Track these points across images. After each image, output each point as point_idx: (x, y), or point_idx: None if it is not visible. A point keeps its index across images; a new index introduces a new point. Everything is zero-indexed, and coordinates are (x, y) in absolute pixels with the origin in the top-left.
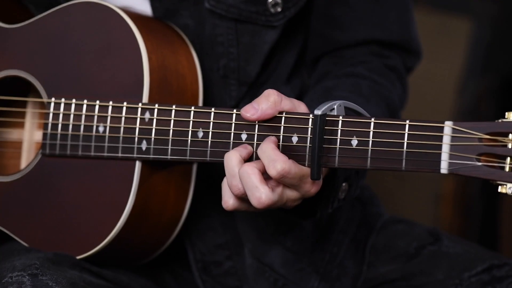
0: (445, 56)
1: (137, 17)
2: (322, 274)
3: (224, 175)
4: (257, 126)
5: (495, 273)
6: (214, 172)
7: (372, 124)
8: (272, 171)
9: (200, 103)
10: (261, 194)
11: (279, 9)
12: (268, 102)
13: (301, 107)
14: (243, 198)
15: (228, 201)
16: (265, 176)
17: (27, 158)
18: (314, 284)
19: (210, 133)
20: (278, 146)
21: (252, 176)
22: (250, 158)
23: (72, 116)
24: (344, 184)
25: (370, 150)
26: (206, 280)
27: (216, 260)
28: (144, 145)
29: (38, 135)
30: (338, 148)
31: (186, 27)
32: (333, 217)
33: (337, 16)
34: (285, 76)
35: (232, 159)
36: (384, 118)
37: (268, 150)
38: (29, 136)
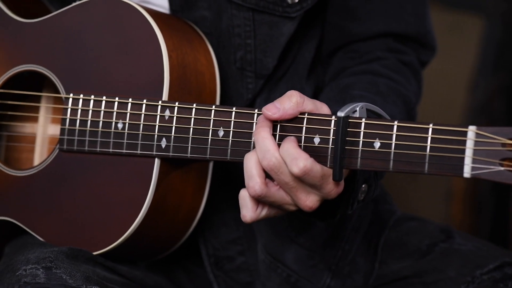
0: (457, 54)
1: (157, 15)
2: (334, 271)
3: (241, 170)
4: (279, 126)
5: (506, 270)
6: (229, 169)
7: (395, 127)
8: (295, 169)
9: (218, 101)
10: (271, 157)
11: (296, 0)
12: (290, 103)
13: (324, 109)
14: (260, 200)
15: (246, 215)
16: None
17: (40, 152)
18: (326, 280)
19: (231, 132)
20: (300, 147)
21: (266, 141)
22: None
23: (90, 112)
24: (363, 186)
25: (392, 152)
26: (218, 275)
27: (228, 255)
28: (163, 143)
29: (52, 130)
30: (360, 150)
31: (203, 19)
32: (346, 215)
33: (353, 8)
34: (302, 72)
35: (251, 160)
36: (408, 121)
37: (290, 148)
38: (43, 130)
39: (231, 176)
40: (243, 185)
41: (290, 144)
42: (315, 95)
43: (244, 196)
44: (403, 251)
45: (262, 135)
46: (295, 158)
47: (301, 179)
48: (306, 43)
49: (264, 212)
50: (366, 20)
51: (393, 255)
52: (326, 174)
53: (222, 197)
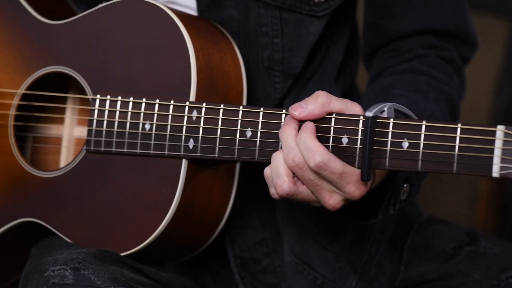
0: (482, 57)
1: (183, 16)
2: (360, 274)
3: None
4: None
5: None
6: (256, 170)
7: (423, 126)
8: (311, 163)
9: (244, 103)
10: (296, 153)
11: None
12: (316, 103)
13: (355, 108)
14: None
15: (274, 192)
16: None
17: (66, 154)
18: (352, 283)
19: (259, 133)
20: (328, 148)
21: (290, 138)
22: None
23: (117, 113)
24: (405, 185)
25: (421, 152)
26: (245, 276)
27: (254, 257)
28: (191, 144)
29: (77, 131)
30: (388, 150)
31: (231, 18)
32: (388, 215)
33: (391, 6)
34: (331, 73)
35: (279, 159)
36: (436, 121)
37: (308, 140)
38: (69, 132)
39: (257, 178)
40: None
41: (307, 135)
42: (345, 97)
43: (268, 175)
44: (428, 254)
45: (287, 132)
46: (312, 152)
47: (319, 174)
48: (335, 44)
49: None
50: (404, 17)
51: (419, 258)
52: (347, 172)
53: (248, 199)
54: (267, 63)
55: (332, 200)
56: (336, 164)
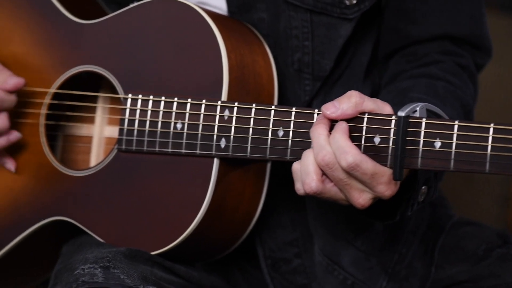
0: None
1: (215, 16)
2: (391, 274)
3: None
4: None
5: None
6: (287, 169)
7: (456, 126)
8: (343, 163)
9: (275, 103)
10: (326, 153)
11: (354, 1)
12: (349, 103)
13: (386, 108)
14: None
15: (300, 188)
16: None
17: (97, 153)
18: (382, 284)
19: (291, 132)
20: (360, 147)
21: (321, 137)
22: None
23: (149, 112)
24: (424, 187)
25: (453, 152)
26: (275, 277)
27: (285, 257)
28: (223, 143)
29: (108, 131)
30: (421, 150)
31: (261, 21)
32: (405, 216)
33: (410, 10)
34: (359, 75)
35: (309, 157)
36: (468, 121)
37: (341, 140)
38: (99, 131)
39: (288, 177)
40: None
41: (340, 135)
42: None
43: (296, 170)
44: (459, 255)
45: (318, 131)
46: (345, 152)
47: (350, 174)
48: (362, 45)
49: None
50: (423, 22)
51: (450, 260)
52: (378, 173)
53: (279, 199)
54: (297, 66)
55: (361, 199)
56: (368, 165)
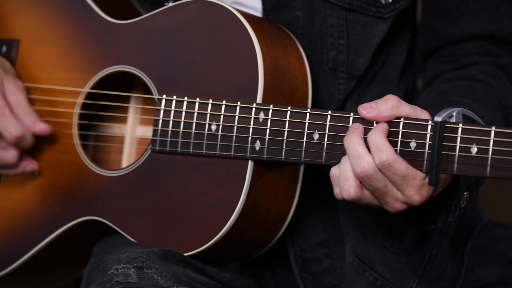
0: None
1: (251, 17)
2: (421, 276)
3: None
4: None
5: None
6: (319, 171)
7: (492, 132)
8: (376, 159)
9: (309, 105)
10: (365, 164)
11: (390, 0)
12: (386, 106)
13: (423, 115)
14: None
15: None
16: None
17: (128, 153)
18: (412, 285)
19: (326, 135)
20: (396, 151)
21: (358, 147)
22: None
23: (183, 113)
24: (466, 193)
25: (490, 158)
26: (305, 277)
27: (316, 257)
28: (257, 145)
29: (140, 131)
30: (457, 155)
31: (296, 19)
32: (447, 222)
33: (448, 10)
34: (393, 75)
35: (349, 163)
36: (505, 127)
37: (377, 138)
38: (132, 131)
39: (321, 179)
40: (332, 189)
41: (378, 133)
42: (406, 99)
43: (335, 174)
44: (489, 257)
45: (354, 141)
46: (379, 150)
47: (381, 170)
48: (397, 45)
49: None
50: (461, 21)
51: (480, 262)
52: (410, 175)
53: (311, 200)
54: (332, 64)
55: (395, 203)
56: (400, 166)
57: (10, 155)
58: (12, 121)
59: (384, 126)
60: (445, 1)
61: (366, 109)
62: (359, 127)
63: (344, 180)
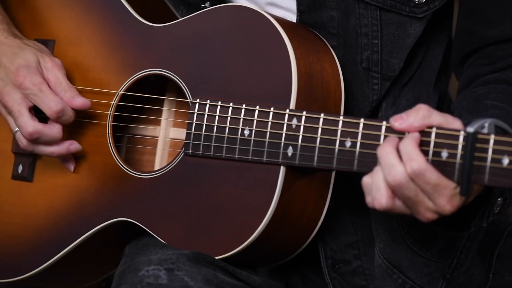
0: None
1: (285, 23)
2: (449, 280)
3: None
4: None
5: None
6: (350, 176)
7: None
8: (408, 168)
9: (342, 111)
10: (397, 173)
11: (423, 0)
12: (416, 116)
13: (456, 123)
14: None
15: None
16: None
17: (161, 155)
18: None
19: (358, 143)
20: (427, 160)
21: (390, 156)
22: None
23: (217, 117)
24: (499, 199)
25: None
26: (334, 277)
27: (345, 258)
28: (290, 151)
29: (173, 133)
30: (488, 166)
31: (331, 19)
32: (481, 227)
33: (485, 12)
34: (429, 79)
35: (380, 172)
36: None
37: (409, 147)
38: (164, 133)
39: (352, 182)
40: (363, 192)
41: (410, 142)
42: (439, 104)
43: (367, 183)
44: None
45: (386, 150)
46: (411, 159)
47: (412, 179)
48: (433, 48)
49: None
50: (498, 23)
51: (508, 267)
52: (441, 184)
53: (341, 202)
54: (366, 64)
55: (427, 213)
56: (432, 175)
57: (55, 129)
58: (52, 96)
59: (416, 135)
60: (482, 3)
61: (398, 121)
62: (393, 138)
63: (377, 190)
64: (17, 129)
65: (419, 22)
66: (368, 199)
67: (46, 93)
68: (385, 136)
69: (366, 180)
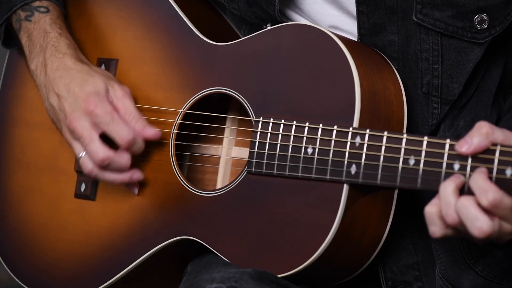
0: None
1: (348, 42)
2: None
3: (422, 196)
4: (470, 157)
5: None
6: (412, 195)
7: None
8: (484, 201)
9: (405, 130)
10: (482, 224)
11: (485, 26)
12: (480, 135)
13: None
14: (454, 227)
15: (435, 231)
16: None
17: (223, 173)
18: None
19: (422, 161)
20: (490, 178)
21: (470, 208)
22: (462, 188)
23: (280, 136)
24: None
25: None
26: None
27: (405, 280)
28: (353, 169)
29: (235, 152)
30: None
31: (392, 43)
32: None
33: None
34: (486, 100)
35: (448, 188)
36: None
37: (480, 181)
38: (227, 152)
39: (414, 202)
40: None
41: (479, 176)
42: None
43: (431, 213)
44: None
45: (447, 189)
46: (485, 191)
47: (492, 212)
48: (491, 70)
49: (453, 232)
50: None
51: None
52: None
53: (402, 223)
54: (426, 89)
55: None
56: (508, 200)
57: (124, 157)
58: (123, 125)
59: (483, 169)
60: None
61: (464, 146)
62: (462, 182)
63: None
64: (82, 154)
65: (480, 47)
66: (432, 229)
67: (117, 122)
68: (448, 155)
69: (429, 210)
